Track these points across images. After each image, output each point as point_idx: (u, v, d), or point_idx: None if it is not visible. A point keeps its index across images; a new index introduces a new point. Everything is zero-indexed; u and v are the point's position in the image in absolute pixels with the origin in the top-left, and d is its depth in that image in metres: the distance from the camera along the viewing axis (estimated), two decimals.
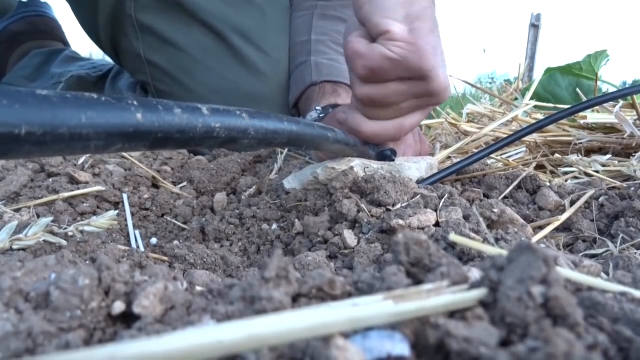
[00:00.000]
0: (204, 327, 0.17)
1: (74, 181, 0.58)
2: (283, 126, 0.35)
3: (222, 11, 0.85)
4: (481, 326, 0.17)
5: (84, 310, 0.20)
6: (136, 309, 0.20)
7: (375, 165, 0.48)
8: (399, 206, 0.42)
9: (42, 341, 0.19)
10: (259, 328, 0.15)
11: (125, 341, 0.18)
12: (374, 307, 0.17)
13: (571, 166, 0.60)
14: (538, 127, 0.56)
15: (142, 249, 0.49)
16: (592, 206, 0.48)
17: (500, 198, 0.52)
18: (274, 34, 0.89)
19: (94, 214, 0.54)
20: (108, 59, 1.08)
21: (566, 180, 0.57)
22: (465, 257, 0.34)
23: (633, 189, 0.50)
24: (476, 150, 0.65)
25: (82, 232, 0.46)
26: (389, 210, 0.42)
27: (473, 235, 0.36)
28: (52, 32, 1.27)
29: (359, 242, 0.41)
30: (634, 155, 0.60)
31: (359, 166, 0.47)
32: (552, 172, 0.64)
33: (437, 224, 0.40)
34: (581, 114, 0.65)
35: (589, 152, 0.70)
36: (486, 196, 0.52)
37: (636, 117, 0.67)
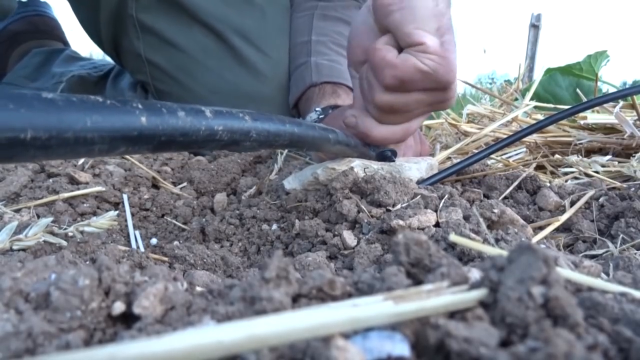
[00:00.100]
0: (204, 328, 0.17)
1: (74, 181, 0.58)
2: (285, 128, 0.35)
3: (222, 12, 0.85)
4: (481, 326, 0.17)
5: (84, 310, 0.20)
6: (136, 309, 0.20)
7: (375, 165, 0.48)
8: (399, 206, 0.42)
9: (42, 341, 0.19)
10: (259, 328, 0.15)
11: (125, 341, 0.18)
12: (374, 307, 0.17)
13: (571, 166, 0.60)
14: (538, 127, 0.56)
15: (142, 249, 0.49)
16: (592, 206, 0.48)
17: (500, 198, 0.52)
18: (274, 34, 0.90)
19: (94, 214, 0.54)
20: (108, 59, 1.08)
21: (566, 181, 0.57)
22: (465, 257, 0.34)
23: (633, 189, 0.50)
24: (476, 151, 0.65)
25: (82, 232, 0.46)
26: (389, 210, 0.42)
27: (473, 235, 0.36)
28: (52, 31, 1.27)
29: (358, 243, 0.41)
30: (634, 156, 0.60)
31: (359, 166, 0.47)
32: (552, 173, 0.64)
33: (437, 224, 0.40)
34: (581, 114, 0.65)
35: (589, 152, 0.70)
36: (486, 196, 0.52)
37: (636, 118, 0.67)
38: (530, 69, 3.47)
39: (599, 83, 0.98)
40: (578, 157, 0.60)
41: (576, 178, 0.58)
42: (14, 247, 0.42)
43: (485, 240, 0.36)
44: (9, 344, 0.18)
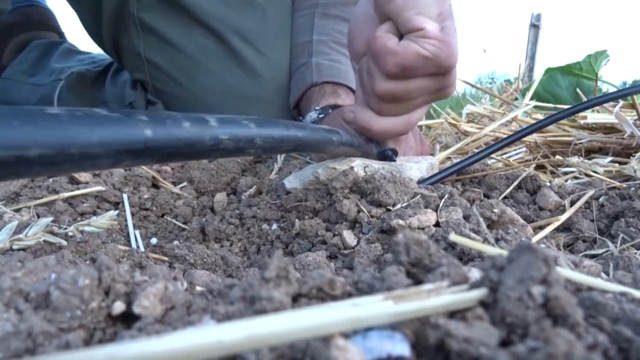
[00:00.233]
0: (204, 327, 0.17)
1: (74, 181, 0.58)
2: (289, 133, 0.35)
3: (223, 13, 0.85)
4: (481, 326, 0.17)
5: (84, 310, 0.20)
6: (136, 309, 0.20)
7: (375, 165, 0.48)
8: (399, 206, 0.42)
9: (42, 341, 0.19)
10: (259, 328, 0.15)
11: (125, 341, 0.18)
12: (374, 307, 0.17)
13: (572, 167, 0.60)
14: (538, 127, 0.56)
15: (142, 249, 0.49)
16: (592, 206, 0.48)
17: (501, 198, 0.52)
18: (274, 35, 0.89)
19: (94, 214, 0.54)
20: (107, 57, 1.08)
21: (566, 180, 0.57)
22: (465, 257, 0.34)
23: (633, 189, 0.50)
24: (476, 151, 0.65)
25: (82, 232, 0.46)
26: (389, 210, 0.42)
27: (473, 235, 0.36)
28: (46, 21, 1.25)
29: (358, 242, 0.41)
30: (634, 156, 0.60)
31: (360, 166, 0.47)
32: (552, 172, 0.64)
33: (437, 224, 0.40)
34: (581, 114, 0.65)
35: (589, 152, 0.70)
36: (486, 196, 0.52)
37: (636, 117, 0.67)
38: (530, 68, 3.47)
39: (599, 83, 0.98)
40: (579, 158, 0.60)
41: (576, 178, 0.58)
42: (14, 247, 0.42)
43: (485, 240, 0.36)
44: (9, 343, 0.18)
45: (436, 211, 0.40)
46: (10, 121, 0.18)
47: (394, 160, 0.51)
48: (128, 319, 0.21)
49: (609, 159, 0.62)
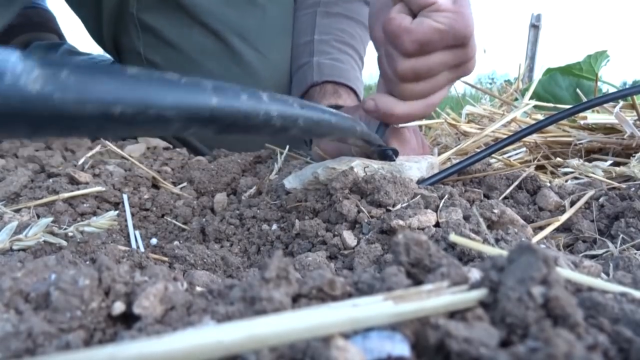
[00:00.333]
0: (204, 328, 0.17)
1: (74, 181, 0.58)
2: (324, 117, 0.34)
3: (223, 12, 0.85)
4: (481, 326, 0.17)
5: (84, 310, 0.20)
6: (136, 310, 0.20)
7: (375, 165, 0.48)
8: (399, 206, 0.42)
9: (42, 341, 0.19)
10: (259, 328, 0.15)
11: (125, 341, 0.18)
12: (374, 307, 0.17)
13: (572, 169, 0.60)
14: (538, 127, 0.56)
15: (142, 249, 0.49)
16: (592, 206, 0.48)
17: (501, 198, 0.52)
18: (275, 35, 0.90)
19: (94, 214, 0.54)
20: (107, 55, 1.08)
21: (566, 181, 0.57)
22: (465, 257, 0.34)
23: (633, 189, 0.50)
24: (477, 150, 0.65)
25: (82, 232, 0.46)
26: (389, 210, 0.42)
27: (473, 235, 0.36)
28: (46, 23, 1.25)
29: (358, 243, 0.41)
30: (634, 156, 0.60)
31: (359, 166, 0.47)
32: (552, 173, 0.64)
33: (437, 225, 0.40)
34: (581, 114, 0.65)
35: (589, 152, 0.70)
36: (486, 196, 0.52)
37: (636, 118, 0.67)
38: (530, 69, 3.47)
39: (599, 83, 0.98)
40: (579, 160, 0.60)
41: (576, 178, 0.58)
42: (14, 247, 0.42)
43: (485, 240, 0.36)
44: (9, 344, 0.18)
45: (436, 211, 0.40)
46: (100, 77, 0.18)
47: (393, 160, 0.51)
48: (128, 319, 0.21)
49: (610, 161, 0.62)
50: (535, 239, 0.40)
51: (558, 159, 0.64)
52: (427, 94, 0.49)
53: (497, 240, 0.36)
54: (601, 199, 0.48)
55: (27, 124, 0.16)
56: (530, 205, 0.51)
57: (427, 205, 0.42)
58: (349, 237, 0.41)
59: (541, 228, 0.44)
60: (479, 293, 0.18)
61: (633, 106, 0.65)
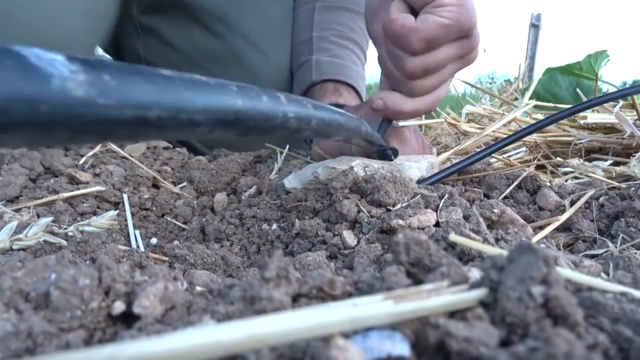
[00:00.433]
0: (204, 327, 0.17)
1: (74, 181, 0.58)
2: (334, 117, 0.34)
3: (224, 13, 0.85)
4: (481, 326, 0.17)
5: (84, 310, 0.20)
6: (136, 309, 0.20)
7: (375, 164, 0.48)
8: (399, 206, 0.42)
9: (42, 341, 0.19)
10: (259, 328, 0.15)
11: (125, 341, 0.18)
12: (374, 307, 0.17)
13: (572, 169, 0.60)
14: (538, 127, 0.56)
15: (142, 249, 0.49)
16: (592, 206, 0.48)
17: (501, 198, 0.52)
18: (276, 34, 0.89)
19: (94, 214, 0.54)
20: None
21: (566, 180, 0.57)
22: (465, 257, 0.34)
23: (633, 189, 0.50)
24: (477, 150, 0.65)
25: (82, 232, 0.46)
26: (389, 210, 0.42)
27: (473, 235, 0.36)
28: None
29: (358, 242, 0.41)
30: (634, 156, 0.60)
31: (359, 166, 0.47)
32: (552, 172, 0.64)
33: (437, 224, 0.40)
34: (581, 114, 0.65)
35: (589, 152, 0.70)
36: (486, 196, 0.52)
37: (636, 117, 0.67)
38: (530, 68, 3.47)
39: (599, 83, 0.98)
40: (579, 160, 0.60)
41: (576, 178, 0.58)
42: (14, 247, 0.42)
43: (485, 240, 0.36)
44: (9, 343, 0.18)
45: (436, 211, 0.40)
46: (137, 79, 0.17)
47: (392, 160, 0.51)
48: (128, 319, 0.21)
49: (609, 161, 0.62)
50: (535, 239, 0.40)
51: (558, 158, 0.64)
52: (435, 88, 0.49)
53: (497, 240, 0.36)
54: (601, 199, 0.48)
55: (69, 129, 0.16)
56: (530, 205, 0.51)
57: (427, 205, 0.42)
58: (349, 237, 0.41)
59: (541, 228, 0.44)
60: (479, 293, 0.18)
61: (633, 106, 0.65)
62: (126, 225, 0.53)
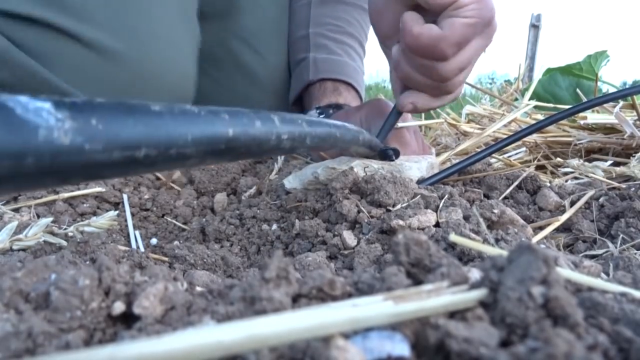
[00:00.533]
0: (204, 328, 0.17)
1: None
2: (330, 131, 0.35)
3: (220, 14, 0.85)
4: (481, 326, 0.17)
5: (84, 310, 0.20)
6: (136, 310, 0.20)
7: (375, 165, 0.48)
8: (399, 206, 0.42)
9: (42, 341, 0.19)
10: (259, 328, 0.15)
11: (125, 341, 0.18)
12: (374, 307, 0.17)
13: (572, 169, 0.60)
14: (538, 127, 0.56)
15: (142, 249, 0.49)
16: (592, 206, 0.48)
17: (501, 198, 0.52)
18: (273, 35, 0.89)
19: (94, 214, 0.54)
20: None
21: (566, 181, 0.57)
22: (465, 257, 0.34)
23: (633, 189, 0.50)
24: (477, 150, 0.65)
25: (82, 232, 0.46)
26: (389, 210, 0.42)
27: (473, 235, 0.36)
28: None
29: (358, 243, 0.41)
30: (634, 156, 0.60)
31: (359, 166, 0.47)
32: (552, 173, 0.64)
33: (437, 225, 0.40)
34: (581, 114, 0.65)
35: (589, 152, 0.70)
36: (486, 196, 0.52)
37: (636, 118, 0.67)
38: (530, 69, 3.47)
39: (599, 83, 0.98)
40: (579, 160, 0.60)
41: (576, 178, 0.58)
42: (14, 247, 0.42)
43: (485, 240, 0.36)
44: (9, 344, 0.18)
45: (436, 211, 0.40)
46: (126, 119, 0.17)
47: (393, 160, 0.51)
48: (128, 319, 0.21)
49: (610, 161, 0.62)
50: (535, 239, 0.40)
51: (558, 159, 0.64)
52: (464, 80, 0.51)
53: (497, 240, 0.36)
54: (601, 199, 0.48)
55: (56, 177, 0.16)
56: (530, 205, 0.51)
57: (427, 205, 0.42)
58: (349, 237, 0.41)
59: (541, 228, 0.44)
60: (479, 293, 0.18)
61: (633, 106, 0.65)
62: (126, 226, 0.53)
